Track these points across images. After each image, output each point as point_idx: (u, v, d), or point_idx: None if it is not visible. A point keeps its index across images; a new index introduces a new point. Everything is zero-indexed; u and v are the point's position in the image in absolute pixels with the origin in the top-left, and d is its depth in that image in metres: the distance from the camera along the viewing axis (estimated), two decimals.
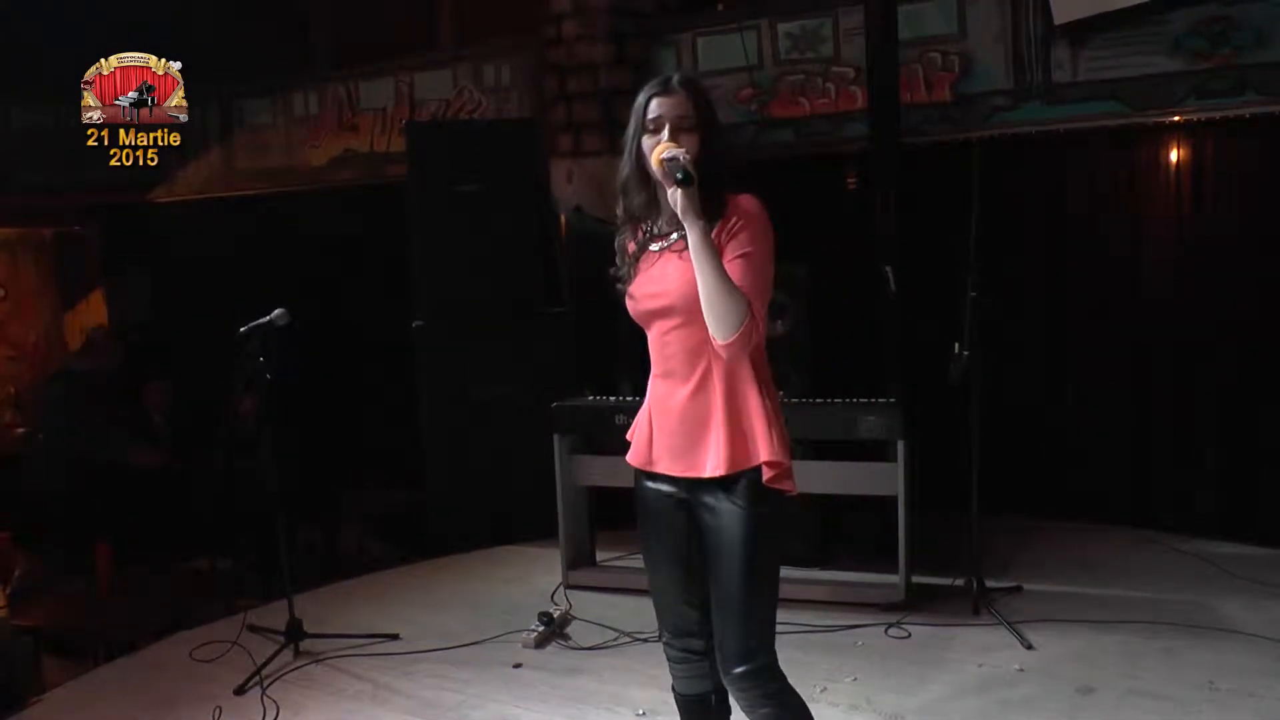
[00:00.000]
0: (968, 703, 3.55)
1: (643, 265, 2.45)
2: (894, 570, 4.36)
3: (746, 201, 2.33)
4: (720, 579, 2.39)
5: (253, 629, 4.30)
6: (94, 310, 9.52)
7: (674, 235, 2.39)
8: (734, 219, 2.31)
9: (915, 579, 4.43)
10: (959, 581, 4.43)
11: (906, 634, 4.13)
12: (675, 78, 2.40)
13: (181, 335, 8.50)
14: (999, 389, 5.27)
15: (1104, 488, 5.47)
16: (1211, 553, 4.87)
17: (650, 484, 2.52)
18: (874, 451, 4.42)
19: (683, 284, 2.32)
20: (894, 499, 4.28)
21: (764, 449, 2.34)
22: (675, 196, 2.25)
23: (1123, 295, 5.38)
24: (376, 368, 7.17)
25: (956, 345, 4.16)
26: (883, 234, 4.98)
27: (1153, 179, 5.27)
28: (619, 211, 2.50)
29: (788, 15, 5.90)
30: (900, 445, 4.24)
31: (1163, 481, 5.35)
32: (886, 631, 4.15)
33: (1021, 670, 3.76)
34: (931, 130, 5.57)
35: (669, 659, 2.63)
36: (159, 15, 7.37)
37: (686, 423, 2.39)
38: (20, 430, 8.88)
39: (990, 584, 4.36)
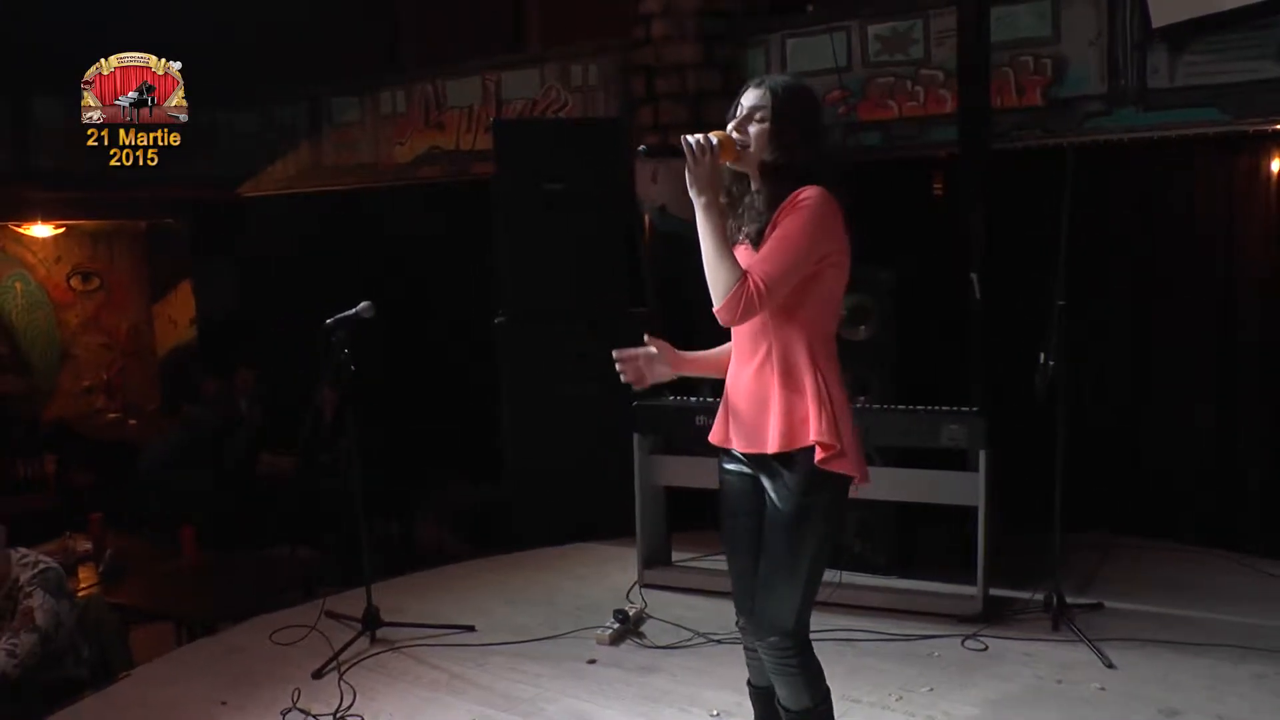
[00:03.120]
0: (1046, 718, 3.48)
1: None
2: (972, 582, 4.29)
3: (808, 191, 2.42)
4: (767, 553, 2.53)
5: (331, 615, 4.38)
6: (183, 301, 9.78)
7: (745, 229, 2.54)
8: (793, 202, 2.42)
9: (994, 591, 4.36)
10: (1038, 596, 4.34)
11: (983, 646, 4.07)
12: (769, 78, 2.55)
13: (268, 327, 8.69)
14: (1085, 401, 5.18)
15: (1192, 507, 5.33)
16: None
17: (728, 465, 2.66)
18: (956, 461, 4.36)
19: None
20: (974, 509, 4.22)
21: (813, 430, 2.44)
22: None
23: (1216, 309, 5.23)
24: (459, 363, 7.25)
25: (1043, 355, 4.08)
26: (970, 240, 4.90)
27: (1252, 190, 5.11)
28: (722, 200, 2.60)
29: (878, 17, 5.84)
30: (982, 455, 4.18)
31: (1255, 503, 5.19)
32: (963, 643, 4.09)
33: (1102, 689, 3.68)
34: (1022, 135, 5.48)
35: (744, 646, 2.74)
36: (248, 14, 7.54)
37: (750, 402, 2.54)
38: (112, 415, 9.16)
39: (1071, 600, 4.27)
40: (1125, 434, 5.47)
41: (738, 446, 2.60)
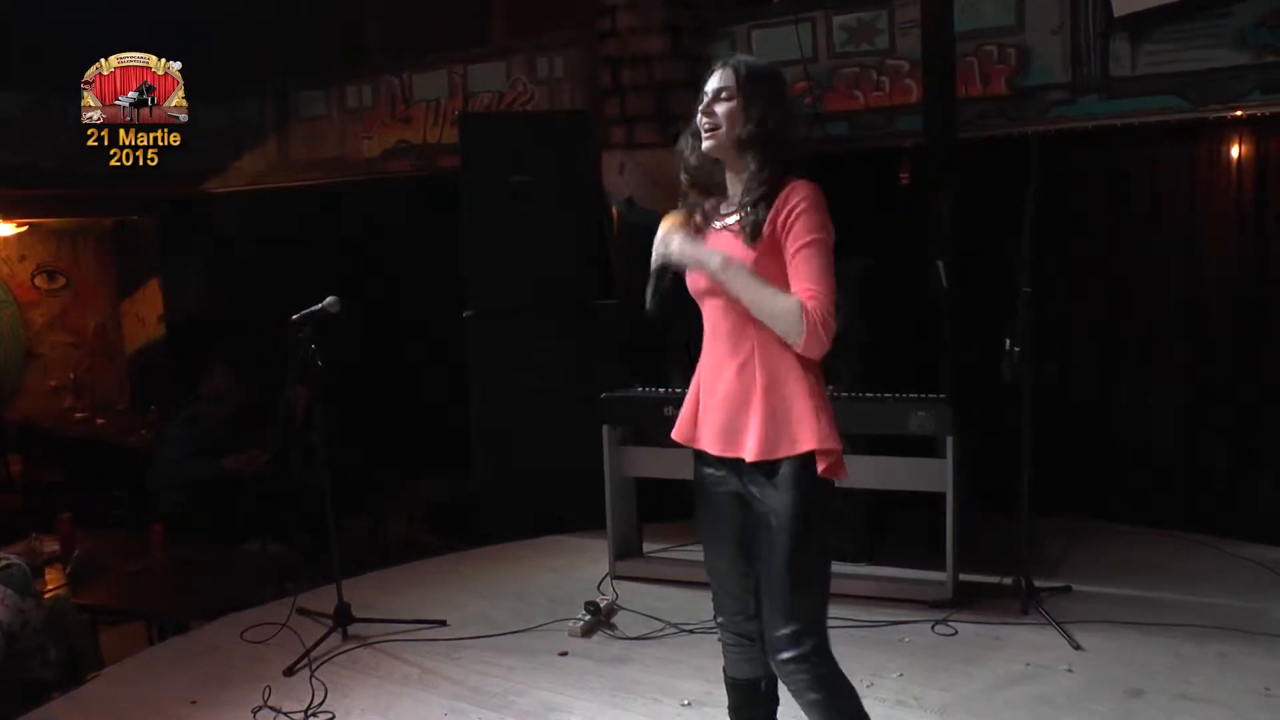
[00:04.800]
0: (1015, 701, 3.51)
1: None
2: (942, 568, 4.33)
3: (804, 186, 2.34)
4: (765, 565, 2.41)
5: (302, 612, 4.37)
6: (151, 299, 9.68)
7: (730, 216, 2.45)
8: (793, 203, 2.32)
9: (963, 577, 4.40)
10: (1007, 580, 4.38)
11: (953, 631, 4.11)
12: (732, 57, 2.48)
13: (237, 324, 8.62)
14: (1052, 387, 5.23)
15: (1159, 490, 5.38)
16: (1269, 558, 4.78)
17: (705, 468, 2.54)
18: (924, 447, 4.39)
19: None
20: (943, 496, 4.25)
21: (809, 437, 2.33)
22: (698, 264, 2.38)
23: (1181, 293, 5.29)
24: (428, 358, 7.22)
25: (1008, 342, 4.12)
26: (936, 229, 4.94)
27: (1214, 175, 5.17)
28: (684, 187, 2.56)
29: (843, 8, 5.86)
30: (950, 441, 4.21)
31: (1219, 485, 5.25)
32: (933, 628, 4.13)
33: (1070, 670, 3.73)
34: (987, 124, 5.51)
35: (722, 641, 2.65)
36: (213, 12, 7.47)
37: (729, 402, 2.42)
38: (80, 415, 9.07)
39: (1039, 584, 4.31)
40: (1093, 419, 5.52)
41: (707, 447, 2.48)
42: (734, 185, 2.47)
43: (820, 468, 2.34)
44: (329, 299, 4.11)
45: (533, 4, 7.66)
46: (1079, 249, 5.50)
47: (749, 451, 2.37)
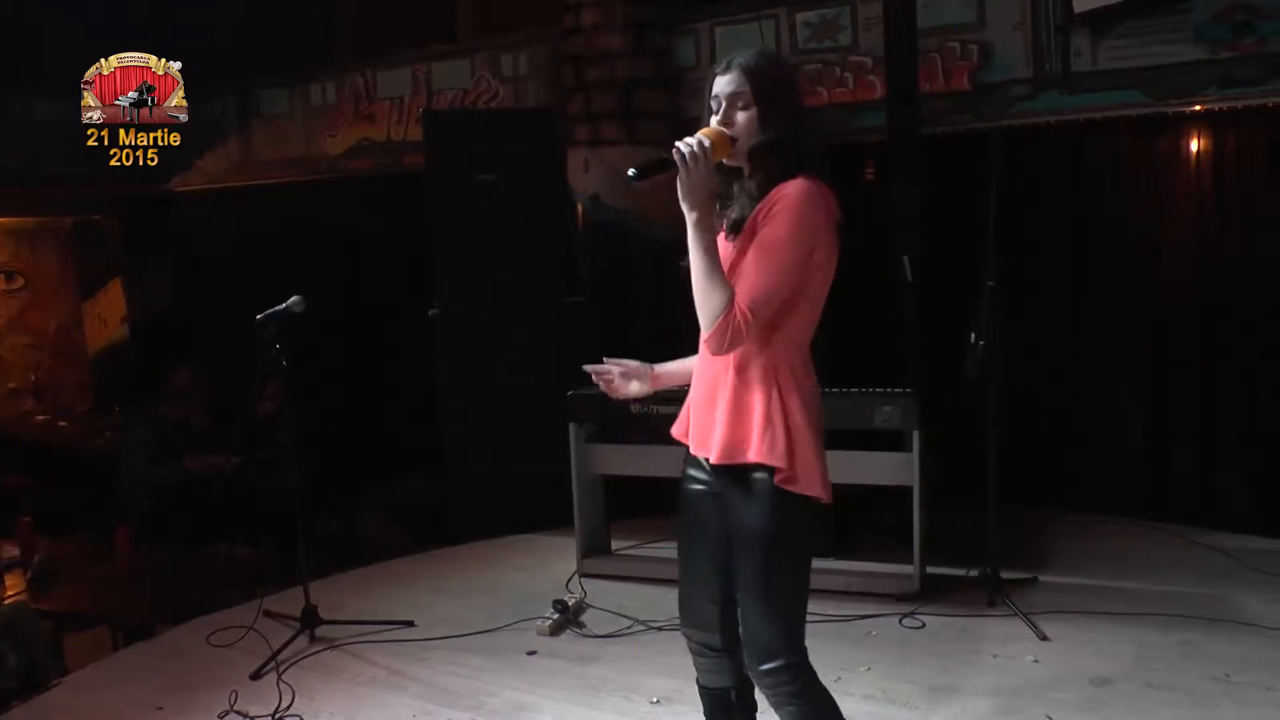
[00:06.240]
0: (982, 693, 3.53)
1: None
2: (909, 561, 4.34)
3: (793, 186, 2.21)
4: (740, 574, 2.35)
5: (269, 615, 4.33)
6: (113, 299, 9.58)
7: (727, 216, 2.34)
8: (773, 203, 2.21)
9: (931, 570, 4.42)
10: (974, 572, 4.41)
11: (921, 624, 4.13)
12: (737, 58, 2.32)
13: (201, 324, 8.54)
14: (1017, 380, 5.26)
15: (1124, 481, 5.44)
16: (1232, 546, 4.84)
17: (689, 470, 2.49)
18: (890, 442, 4.40)
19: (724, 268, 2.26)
20: (910, 490, 4.27)
21: (751, 451, 2.28)
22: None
23: (1144, 286, 5.34)
24: (395, 356, 7.19)
25: (973, 336, 4.14)
26: (901, 224, 4.96)
27: (1174, 169, 5.23)
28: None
29: (806, 4, 5.89)
30: (915, 435, 4.23)
31: (1184, 475, 5.31)
32: (901, 622, 4.15)
33: (1036, 661, 3.75)
34: (950, 120, 5.55)
35: (690, 651, 2.59)
36: (176, 8, 7.39)
37: (704, 402, 2.39)
38: (41, 418, 8.96)
39: (1006, 575, 4.34)
40: (1058, 411, 5.57)
41: (690, 446, 2.45)
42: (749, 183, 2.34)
43: (776, 479, 2.27)
44: (293, 298, 4.08)
45: (497, 1, 7.64)
46: (1043, 242, 5.54)
47: (713, 454, 2.33)
